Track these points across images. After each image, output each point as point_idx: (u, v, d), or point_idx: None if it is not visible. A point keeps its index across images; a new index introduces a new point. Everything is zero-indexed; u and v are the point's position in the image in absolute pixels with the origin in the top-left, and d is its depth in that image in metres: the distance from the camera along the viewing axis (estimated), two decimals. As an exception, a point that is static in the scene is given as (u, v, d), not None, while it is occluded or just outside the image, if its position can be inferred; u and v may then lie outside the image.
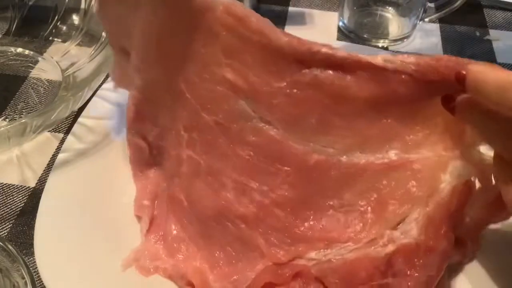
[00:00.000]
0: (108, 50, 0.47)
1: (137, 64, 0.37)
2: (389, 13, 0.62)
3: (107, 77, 0.48)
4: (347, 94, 0.31)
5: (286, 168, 0.34)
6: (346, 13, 0.61)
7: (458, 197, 0.32)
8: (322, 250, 0.34)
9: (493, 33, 0.62)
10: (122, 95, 0.48)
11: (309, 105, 0.32)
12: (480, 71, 0.28)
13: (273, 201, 0.34)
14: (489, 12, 0.66)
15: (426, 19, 0.60)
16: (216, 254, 0.36)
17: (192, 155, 0.36)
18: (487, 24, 0.64)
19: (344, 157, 0.33)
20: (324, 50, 0.30)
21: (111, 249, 0.38)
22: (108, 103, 0.47)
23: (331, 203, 0.34)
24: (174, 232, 0.38)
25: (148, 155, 0.41)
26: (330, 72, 0.31)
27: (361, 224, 0.34)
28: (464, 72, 0.28)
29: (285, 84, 0.32)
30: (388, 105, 0.32)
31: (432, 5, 0.59)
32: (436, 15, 0.59)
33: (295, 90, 0.32)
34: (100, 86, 0.47)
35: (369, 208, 0.34)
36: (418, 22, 0.60)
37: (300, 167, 0.33)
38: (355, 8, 0.61)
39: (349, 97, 0.31)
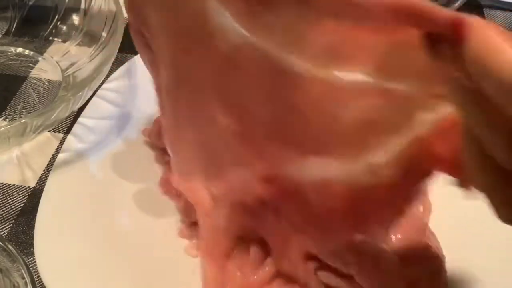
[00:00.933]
0: (108, 50, 0.48)
1: None
2: (389, 13, 0.62)
3: (107, 77, 0.49)
4: None
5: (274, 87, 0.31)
6: (346, 13, 0.61)
7: (437, 134, 0.29)
8: (303, 163, 0.33)
9: (493, 33, 0.62)
10: (122, 95, 0.48)
11: None
12: (492, 42, 0.19)
13: (260, 120, 0.33)
14: (489, 12, 0.66)
15: (426, 19, 0.60)
16: (210, 163, 0.36)
17: (169, 70, 0.34)
18: (487, 24, 0.64)
19: (321, 73, 0.30)
20: None
21: (112, 249, 0.38)
22: (108, 103, 0.47)
23: (314, 119, 0.32)
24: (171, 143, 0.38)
25: (149, 52, 0.37)
26: None
27: (340, 142, 0.32)
28: (465, 30, 0.20)
29: None
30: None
31: (432, 5, 0.59)
32: (436, 15, 0.59)
33: None
34: (100, 86, 0.47)
35: (348, 129, 0.31)
36: (418, 22, 0.60)
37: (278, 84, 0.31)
38: (355, 8, 0.61)
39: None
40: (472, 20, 0.20)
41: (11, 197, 0.43)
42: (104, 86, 0.48)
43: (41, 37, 0.56)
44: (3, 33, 0.56)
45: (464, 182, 0.29)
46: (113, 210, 0.40)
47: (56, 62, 0.54)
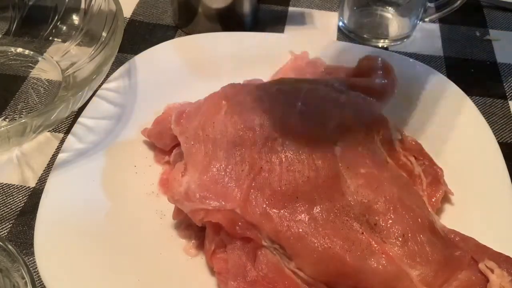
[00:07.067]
0: (108, 50, 0.48)
1: None
2: (389, 13, 0.62)
3: (107, 77, 0.49)
4: None
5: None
6: (346, 13, 0.61)
7: None
8: None
9: (493, 33, 0.62)
10: (122, 95, 0.48)
11: None
12: None
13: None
14: (489, 12, 0.66)
15: (426, 19, 0.60)
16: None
17: None
18: (487, 24, 0.64)
19: None
20: None
21: (111, 249, 0.38)
22: (108, 103, 0.47)
23: None
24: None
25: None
26: None
27: None
28: None
29: None
30: None
31: (432, 5, 0.59)
32: (436, 15, 0.59)
33: None
34: (100, 86, 0.47)
35: None
36: (418, 22, 0.60)
37: None
38: (355, 8, 0.61)
39: None
40: None
41: (11, 197, 0.43)
42: (104, 86, 0.48)
43: (41, 37, 0.56)
44: (3, 33, 0.56)
45: None
46: (112, 210, 0.40)
47: (56, 62, 0.54)
